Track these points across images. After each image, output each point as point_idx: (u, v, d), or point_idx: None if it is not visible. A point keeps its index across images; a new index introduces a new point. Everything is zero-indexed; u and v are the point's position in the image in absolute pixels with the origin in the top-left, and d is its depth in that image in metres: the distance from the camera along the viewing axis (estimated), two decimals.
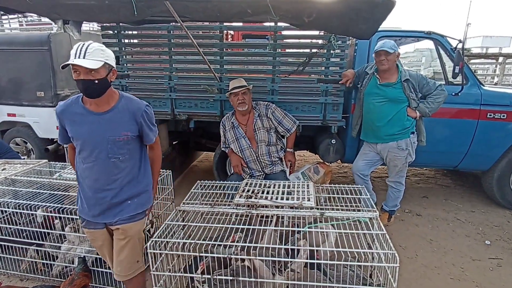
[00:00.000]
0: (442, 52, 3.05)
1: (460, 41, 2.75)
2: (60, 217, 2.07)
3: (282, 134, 2.79)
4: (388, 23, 1.92)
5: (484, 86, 3.05)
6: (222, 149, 2.92)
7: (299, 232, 1.69)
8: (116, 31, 3.03)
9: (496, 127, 2.98)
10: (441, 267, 2.34)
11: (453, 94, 2.92)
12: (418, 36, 3.13)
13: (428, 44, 3.30)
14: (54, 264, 2.15)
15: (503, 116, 2.96)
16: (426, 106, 2.54)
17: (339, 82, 2.83)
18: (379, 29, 2.12)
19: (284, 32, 2.91)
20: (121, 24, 2.97)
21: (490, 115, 2.95)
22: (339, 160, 3.30)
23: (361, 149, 2.89)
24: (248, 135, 2.68)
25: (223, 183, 2.24)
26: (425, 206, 3.37)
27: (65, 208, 2.00)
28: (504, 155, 3.08)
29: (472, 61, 11.81)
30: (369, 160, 2.78)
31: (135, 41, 3.78)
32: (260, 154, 2.67)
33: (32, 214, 2.13)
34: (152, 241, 1.55)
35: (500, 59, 11.46)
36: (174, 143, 3.75)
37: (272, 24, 2.79)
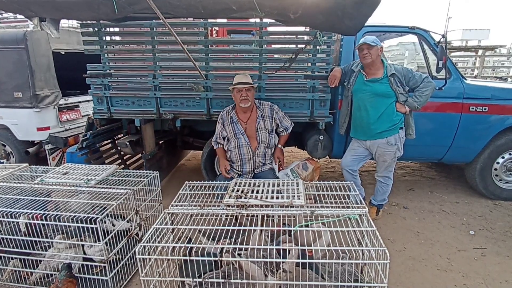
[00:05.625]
0: (425, 46, 3.09)
1: (443, 36, 2.79)
2: (43, 224, 2.00)
3: (280, 133, 2.81)
4: (372, 19, 1.92)
5: (466, 79, 3.12)
6: (213, 143, 2.85)
7: (290, 232, 1.69)
8: (96, 29, 2.92)
9: (478, 120, 3.05)
10: (428, 258, 2.40)
11: (437, 88, 2.96)
12: (402, 31, 3.16)
13: (412, 38, 3.34)
14: (34, 272, 2.06)
15: (485, 109, 3.03)
16: (414, 100, 2.56)
17: (328, 84, 2.82)
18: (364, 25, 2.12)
19: (270, 29, 2.88)
20: (101, 21, 2.87)
21: (473, 108, 3.02)
22: (327, 156, 3.31)
23: (349, 145, 2.91)
24: (248, 133, 2.65)
25: (212, 183, 2.21)
26: (411, 198, 3.44)
27: (49, 214, 1.93)
28: (486, 147, 3.16)
29: (452, 54, 12.08)
30: (357, 155, 2.80)
31: (118, 38, 3.67)
32: (257, 154, 2.66)
33: (12, 222, 2.05)
34: (141, 246, 1.52)
35: (480, 52, 11.77)
36: (160, 142, 3.68)
37: (258, 20, 2.75)
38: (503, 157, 3.22)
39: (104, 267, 1.91)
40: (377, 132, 2.62)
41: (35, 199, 2.12)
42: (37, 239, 2.01)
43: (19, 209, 2.01)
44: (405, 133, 2.69)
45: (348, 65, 2.80)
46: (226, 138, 2.72)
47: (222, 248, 1.61)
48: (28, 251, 2.03)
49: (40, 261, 2.06)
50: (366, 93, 2.61)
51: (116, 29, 3.14)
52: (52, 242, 2.06)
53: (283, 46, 3.15)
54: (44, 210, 1.99)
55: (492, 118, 3.05)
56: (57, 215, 1.91)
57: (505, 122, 3.06)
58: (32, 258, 2.03)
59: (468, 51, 12.75)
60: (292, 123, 2.81)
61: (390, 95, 2.57)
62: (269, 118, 2.67)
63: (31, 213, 1.97)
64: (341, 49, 3.11)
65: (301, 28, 2.90)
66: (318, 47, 2.83)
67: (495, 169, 3.25)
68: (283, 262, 1.60)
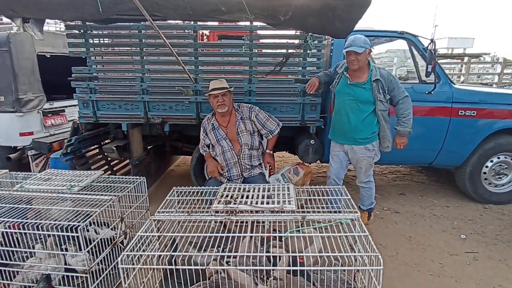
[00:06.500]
0: (415, 51, 3.11)
1: (432, 41, 2.81)
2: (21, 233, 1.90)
3: (265, 136, 2.73)
4: (361, 24, 1.91)
5: (455, 84, 3.15)
6: (201, 151, 2.82)
7: (281, 238, 1.63)
8: (82, 31, 2.85)
9: (467, 124, 3.07)
10: (421, 264, 2.37)
11: (426, 92, 2.99)
12: (392, 36, 3.18)
13: (400, 44, 3.37)
14: (11, 284, 1.95)
15: (473, 113, 3.05)
16: (404, 127, 2.50)
17: (306, 90, 2.71)
18: (354, 29, 2.11)
19: (260, 32, 2.86)
20: (87, 23, 2.80)
21: (462, 112, 3.04)
22: (318, 160, 3.28)
23: (331, 151, 2.81)
24: (230, 137, 2.60)
25: (200, 189, 2.14)
26: (402, 203, 3.43)
27: (28, 222, 1.83)
28: (475, 151, 3.18)
29: (439, 61, 12.35)
30: (341, 161, 2.73)
31: (107, 40, 3.59)
32: (242, 157, 2.61)
33: None
34: (124, 255, 1.44)
35: (465, 59, 12.07)
36: (148, 147, 3.60)
37: (248, 23, 2.73)
38: (492, 161, 3.25)
39: (86, 278, 1.82)
40: (356, 139, 2.55)
41: (14, 207, 2.02)
42: (14, 249, 1.90)
43: None
44: (380, 146, 2.61)
45: (334, 68, 2.74)
46: (210, 145, 2.69)
47: (209, 257, 1.54)
48: (5, 261, 1.92)
49: (18, 272, 1.95)
50: (348, 96, 2.51)
51: (105, 31, 3.06)
52: (31, 252, 1.96)
53: (274, 50, 3.13)
54: (24, 218, 1.89)
55: (481, 122, 3.08)
56: (36, 223, 1.81)
57: (493, 126, 3.09)
58: (10, 269, 1.92)
59: (454, 59, 13.07)
60: (280, 125, 2.71)
61: (372, 102, 2.47)
62: (249, 119, 2.63)
63: (8, 221, 1.87)
64: (331, 54, 3.11)
65: (292, 32, 2.88)
66: (308, 51, 2.82)
67: (485, 173, 3.27)
68: (273, 270, 1.55)
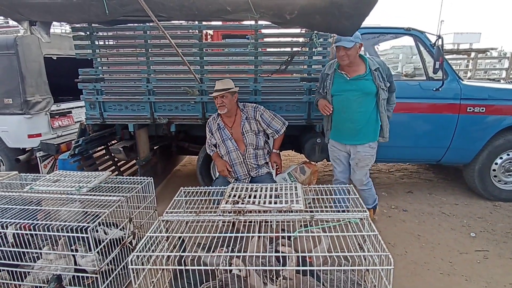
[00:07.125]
0: (422, 48, 3.07)
1: (439, 36, 2.77)
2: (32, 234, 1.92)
3: (271, 135, 2.72)
4: (367, 20, 1.88)
5: (463, 80, 3.11)
6: (208, 151, 2.83)
7: (289, 237, 1.63)
8: (88, 33, 2.86)
9: (476, 121, 3.03)
10: (430, 262, 2.35)
11: (434, 89, 2.95)
12: (398, 32, 3.14)
13: (406, 41, 3.34)
14: (22, 284, 1.97)
15: (482, 109, 3.01)
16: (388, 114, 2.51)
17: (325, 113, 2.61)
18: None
19: (265, 31, 2.85)
20: (93, 25, 2.82)
21: (470, 109, 3.00)
22: (325, 159, 3.26)
23: (331, 154, 2.71)
24: (235, 137, 2.61)
25: (208, 189, 2.14)
26: (410, 201, 3.40)
27: (38, 224, 1.85)
28: (484, 148, 3.14)
29: (445, 57, 12.20)
30: (343, 163, 2.66)
31: (111, 42, 3.61)
32: (247, 157, 2.61)
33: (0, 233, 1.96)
34: (134, 255, 1.45)
35: (472, 54, 11.91)
36: (155, 148, 3.61)
37: (253, 22, 2.72)
38: (501, 158, 3.20)
39: (96, 278, 1.83)
40: (364, 137, 2.47)
41: (25, 208, 2.04)
42: (25, 250, 1.93)
43: (7, 219, 1.92)
44: (383, 138, 2.55)
45: (321, 73, 2.62)
46: (216, 145, 2.69)
47: (219, 257, 1.54)
48: (16, 262, 1.95)
49: (29, 272, 1.98)
50: (353, 92, 2.40)
51: (110, 33, 3.08)
52: (41, 253, 1.98)
53: (279, 49, 3.12)
54: (34, 220, 1.92)
55: (490, 119, 3.04)
56: (46, 224, 1.83)
57: (502, 122, 3.04)
58: (21, 270, 1.95)
59: (460, 54, 12.90)
60: (285, 124, 2.68)
61: (375, 93, 2.39)
62: (254, 119, 2.62)
63: (19, 222, 1.89)
64: None
65: (297, 30, 2.87)
66: (314, 49, 2.81)
67: (494, 170, 3.23)
68: (282, 270, 1.54)
